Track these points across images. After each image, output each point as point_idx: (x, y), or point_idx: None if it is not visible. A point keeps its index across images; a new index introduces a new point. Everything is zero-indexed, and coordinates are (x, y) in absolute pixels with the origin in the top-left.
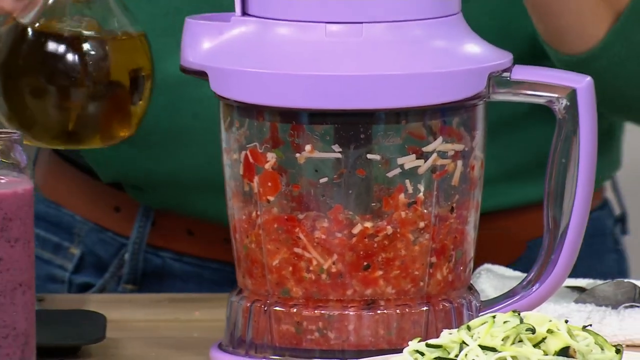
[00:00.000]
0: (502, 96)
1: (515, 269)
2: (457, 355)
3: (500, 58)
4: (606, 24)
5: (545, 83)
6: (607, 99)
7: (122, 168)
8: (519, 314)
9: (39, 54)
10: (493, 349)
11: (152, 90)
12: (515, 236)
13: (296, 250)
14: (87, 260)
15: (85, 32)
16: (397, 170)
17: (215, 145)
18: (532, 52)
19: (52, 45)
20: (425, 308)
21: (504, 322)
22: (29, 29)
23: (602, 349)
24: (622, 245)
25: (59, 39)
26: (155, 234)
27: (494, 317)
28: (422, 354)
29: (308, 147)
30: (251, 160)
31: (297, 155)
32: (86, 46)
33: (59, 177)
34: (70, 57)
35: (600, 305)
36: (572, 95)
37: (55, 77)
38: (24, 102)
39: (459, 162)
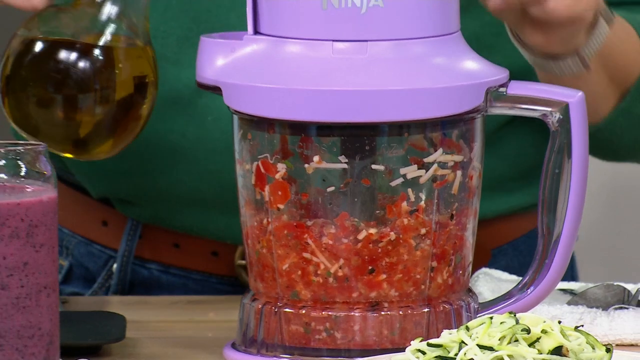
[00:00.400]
0: (499, 110)
1: None
2: (456, 354)
3: (497, 74)
4: (613, 102)
5: (539, 98)
6: (604, 155)
7: (113, 183)
8: (515, 315)
9: (48, 65)
10: (490, 348)
11: (155, 98)
12: (481, 245)
13: (305, 255)
14: (75, 272)
15: (96, 42)
16: (400, 180)
17: (205, 162)
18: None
19: (62, 56)
20: (426, 310)
21: (501, 322)
22: (40, 40)
23: (593, 348)
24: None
25: (70, 49)
26: (143, 246)
27: (491, 318)
28: (424, 352)
29: (316, 158)
30: (262, 170)
31: (306, 165)
32: (97, 56)
33: None
34: (81, 67)
35: (592, 307)
36: (565, 109)
37: (67, 87)
38: (35, 112)
39: (458, 172)
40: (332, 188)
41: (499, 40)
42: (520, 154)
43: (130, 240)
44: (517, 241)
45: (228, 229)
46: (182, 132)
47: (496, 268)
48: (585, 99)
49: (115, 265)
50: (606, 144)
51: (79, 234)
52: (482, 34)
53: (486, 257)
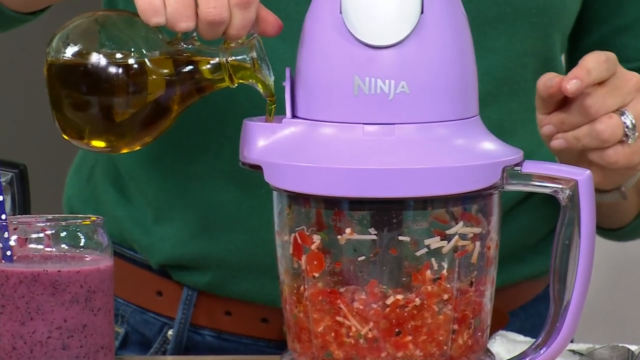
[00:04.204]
0: (514, 187)
1: None
2: None
3: (512, 154)
4: (636, 210)
5: (551, 175)
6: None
7: (175, 250)
8: None
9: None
10: None
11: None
12: (498, 310)
13: (338, 318)
14: (131, 338)
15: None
16: (424, 250)
17: (258, 231)
18: None
19: (114, 70)
20: None
21: None
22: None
23: None
24: None
25: (119, 65)
26: (198, 314)
27: None
28: None
29: (348, 230)
30: (299, 241)
31: (339, 237)
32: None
33: None
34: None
35: None
36: (575, 186)
37: (116, 94)
38: (87, 115)
39: (477, 243)
40: (363, 257)
41: (517, 126)
42: (532, 228)
43: (186, 309)
44: (527, 305)
45: (279, 295)
46: (238, 202)
47: (511, 330)
48: (593, 179)
49: (170, 332)
50: (622, 238)
51: (134, 304)
52: (506, 120)
53: (504, 320)
